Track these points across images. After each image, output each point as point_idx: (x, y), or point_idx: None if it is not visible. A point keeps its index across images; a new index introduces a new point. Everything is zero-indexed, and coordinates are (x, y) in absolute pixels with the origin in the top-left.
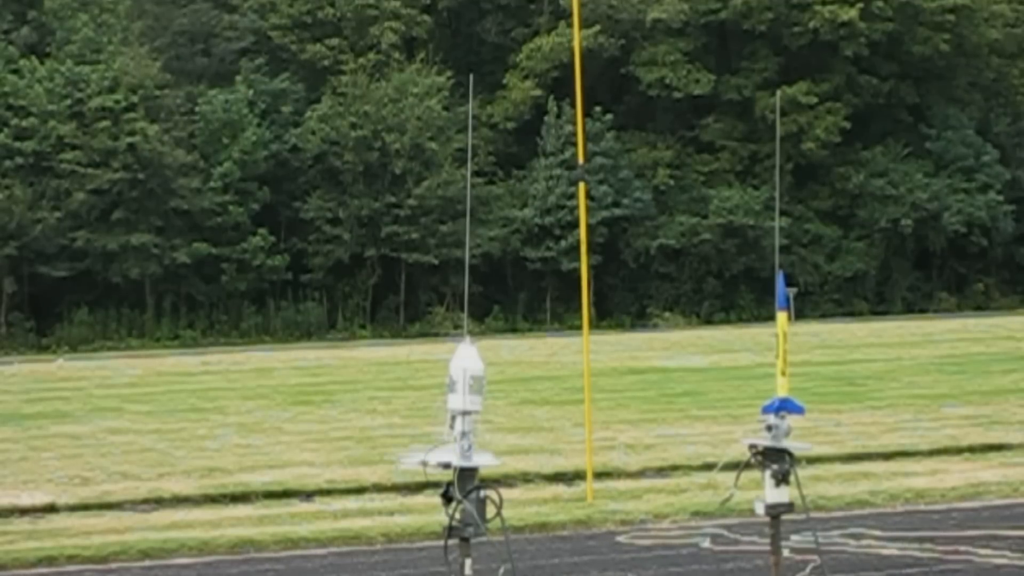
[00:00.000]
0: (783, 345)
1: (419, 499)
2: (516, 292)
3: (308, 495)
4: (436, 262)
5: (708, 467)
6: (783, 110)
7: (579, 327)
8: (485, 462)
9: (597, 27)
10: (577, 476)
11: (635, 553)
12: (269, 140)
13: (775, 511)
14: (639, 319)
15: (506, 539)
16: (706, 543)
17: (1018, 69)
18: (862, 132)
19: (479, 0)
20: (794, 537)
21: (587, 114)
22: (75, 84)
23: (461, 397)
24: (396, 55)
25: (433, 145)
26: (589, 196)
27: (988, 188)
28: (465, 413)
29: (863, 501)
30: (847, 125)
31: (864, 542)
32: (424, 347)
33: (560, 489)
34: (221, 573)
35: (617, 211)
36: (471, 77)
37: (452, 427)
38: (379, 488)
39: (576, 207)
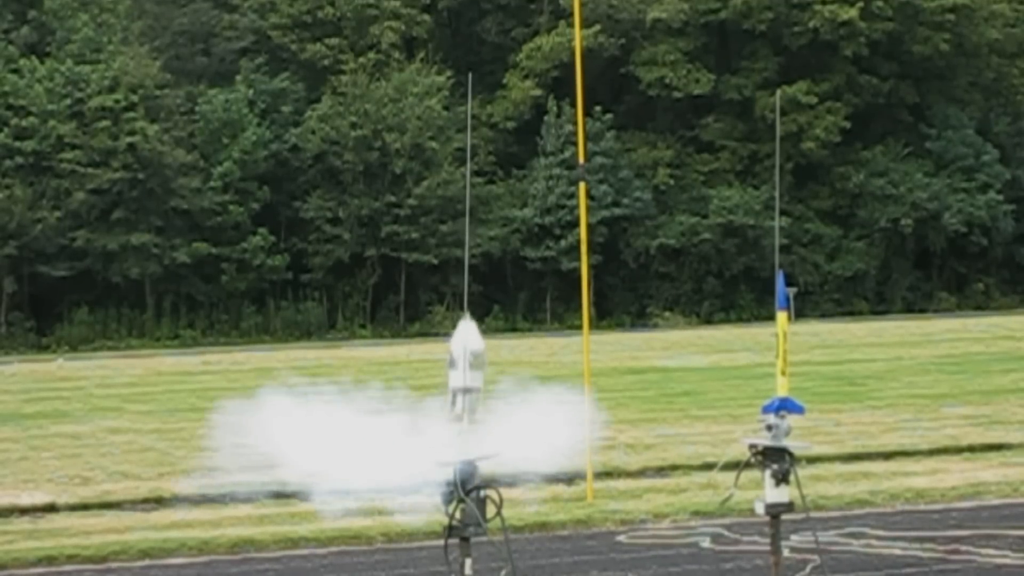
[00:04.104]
0: (783, 345)
1: (419, 499)
2: (516, 292)
3: (308, 495)
4: (436, 262)
5: (708, 467)
6: (783, 110)
7: (579, 327)
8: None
9: (597, 27)
10: (577, 476)
11: (635, 553)
12: (269, 140)
13: (775, 511)
14: (639, 319)
15: (506, 539)
16: (706, 543)
17: (1018, 69)
18: (862, 132)
19: (479, 0)
20: (794, 537)
21: (587, 114)
22: (75, 84)
23: (461, 374)
24: (396, 55)
25: (433, 145)
26: (589, 196)
27: (988, 188)
28: (466, 391)
29: (863, 501)
30: (847, 125)
31: (864, 542)
32: (424, 347)
33: (560, 489)
34: (221, 573)
35: (617, 211)
36: (470, 77)
37: (454, 406)
38: (379, 488)
39: (576, 207)
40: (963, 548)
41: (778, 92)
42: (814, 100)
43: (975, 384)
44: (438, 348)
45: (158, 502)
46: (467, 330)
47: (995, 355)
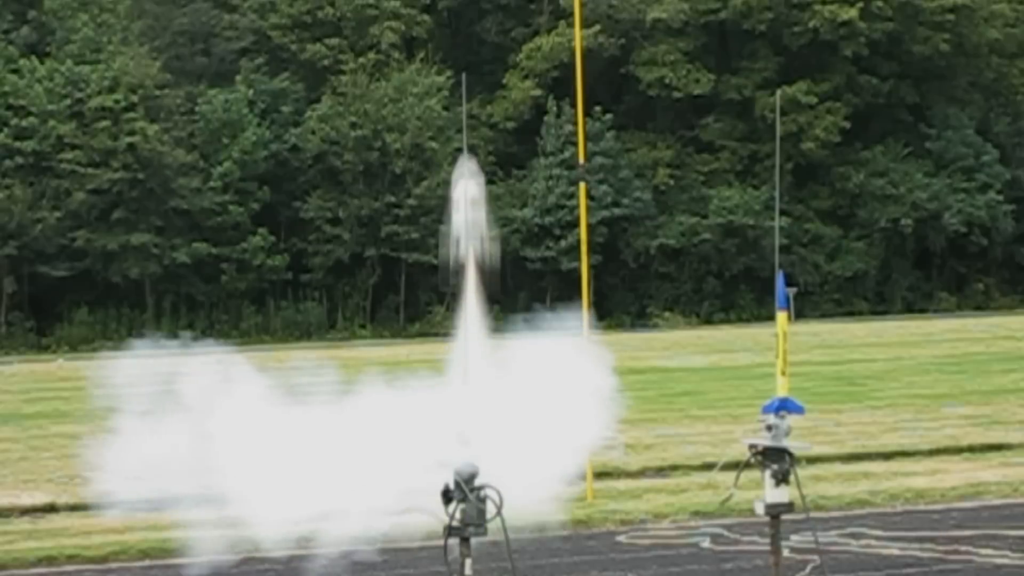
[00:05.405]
0: (783, 345)
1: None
2: (516, 292)
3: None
4: (436, 262)
5: (708, 467)
6: (783, 110)
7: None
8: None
9: (597, 27)
10: (577, 476)
11: (635, 553)
12: (269, 140)
13: (775, 511)
14: (639, 319)
15: (506, 539)
16: (706, 543)
17: (1018, 69)
18: (862, 132)
19: (479, 0)
20: (794, 537)
21: (587, 114)
22: (75, 84)
23: (463, 215)
24: (396, 55)
25: (433, 145)
26: (589, 196)
27: (988, 188)
28: (469, 232)
29: (863, 501)
30: (847, 125)
31: (864, 542)
32: (424, 347)
33: (560, 489)
34: (221, 573)
35: (617, 211)
36: (463, 76)
37: (456, 252)
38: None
39: (576, 207)
40: (963, 548)
41: (778, 92)
42: (814, 100)
43: (975, 384)
44: (438, 348)
45: (158, 502)
46: (466, 168)
47: (995, 355)
